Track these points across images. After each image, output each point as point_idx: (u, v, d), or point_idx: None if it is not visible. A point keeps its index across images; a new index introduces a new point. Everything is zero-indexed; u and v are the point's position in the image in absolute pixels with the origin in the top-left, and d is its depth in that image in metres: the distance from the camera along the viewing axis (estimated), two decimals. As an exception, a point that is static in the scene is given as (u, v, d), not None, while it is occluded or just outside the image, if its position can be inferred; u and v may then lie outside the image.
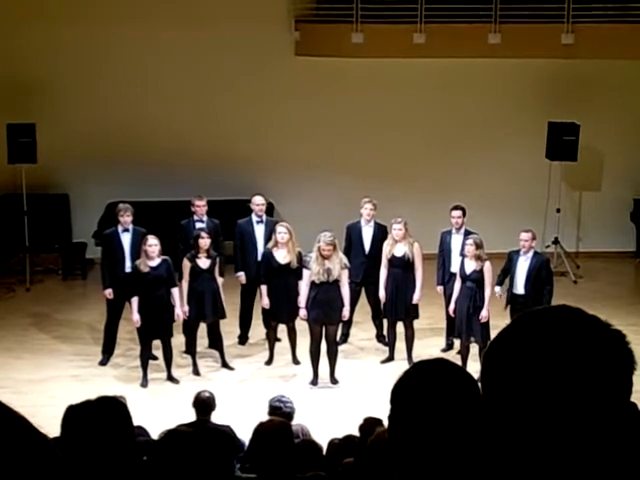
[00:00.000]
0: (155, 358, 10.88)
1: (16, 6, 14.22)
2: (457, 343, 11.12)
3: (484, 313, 10.37)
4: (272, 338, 11.17)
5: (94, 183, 14.49)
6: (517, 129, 14.80)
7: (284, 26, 14.28)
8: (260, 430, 5.10)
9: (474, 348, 10.60)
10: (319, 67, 14.30)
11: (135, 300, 10.43)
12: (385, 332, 11.44)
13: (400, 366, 10.30)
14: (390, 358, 11.22)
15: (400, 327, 11.10)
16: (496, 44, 13.77)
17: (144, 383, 10.58)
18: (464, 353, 10.56)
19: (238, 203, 13.89)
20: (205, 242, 10.64)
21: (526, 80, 14.68)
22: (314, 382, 10.68)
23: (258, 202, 11.60)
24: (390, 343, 11.27)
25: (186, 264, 10.70)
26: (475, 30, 13.78)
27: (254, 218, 11.57)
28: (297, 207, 14.49)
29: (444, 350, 11.42)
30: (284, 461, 4.92)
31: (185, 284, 10.71)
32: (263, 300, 10.91)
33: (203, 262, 10.72)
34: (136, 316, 10.43)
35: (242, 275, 11.52)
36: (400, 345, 11.13)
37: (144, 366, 10.60)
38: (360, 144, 14.71)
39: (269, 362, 11.20)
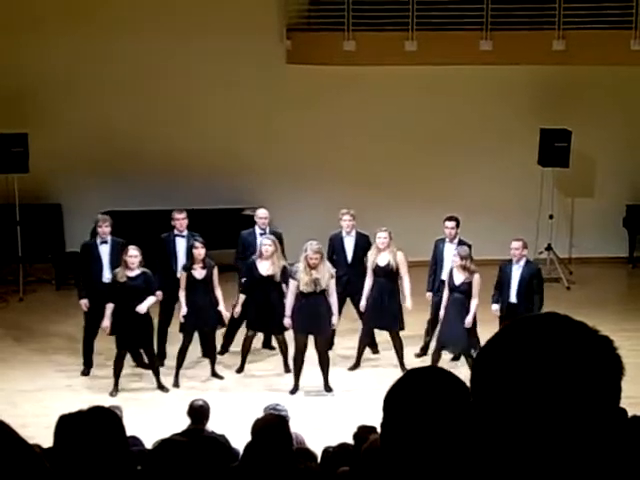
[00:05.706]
0: (147, 367, 10.85)
1: (8, 16, 14.21)
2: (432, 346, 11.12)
3: (468, 319, 10.40)
4: (246, 347, 11.05)
5: (87, 192, 14.46)
6: (509, 136, 14.82)
7: (275, 35, 14.29)
8: (260, 424, 5.18)
9: (445, 355, 10.85)
10: (311, 75, 14.30)
11: (110, 307, 10.41)
12: (375, 339, 11.44)
13: (393, 374, 10.30)
14: (356, 365, 11.19)
15: (378, 336, 11.22)
16: (487, 51, 13.80)
17: (114, 393, 10.45)
18: (435, 358, 10.62)
19: (230, 212, 13.89)
20: (199, 252, 10.58)
21: (518, 87, 14.71)
22: (293, 391, 10.61)
23: (261, 215, 11.59)
24: (360, 350, 11.18)
25: (182, 274, 10.69)
26: (466, 37, 13.80)
27: (257, 230, 11.53)
28: (289, 215, 14.46)
29: (418, 355, 11.44)
30: (284, 453, 4.98)
31: (182, 295, 10.68)
32: (236, 308, 10.85)
33: (198, 272, 10.66)
34: (107, 322, 10.42)
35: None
36: (389, 354, 11.14)
37: (116, 375, 10.49)
38: (352, 152, 14.70)
39: (240, 370, 11.12)
